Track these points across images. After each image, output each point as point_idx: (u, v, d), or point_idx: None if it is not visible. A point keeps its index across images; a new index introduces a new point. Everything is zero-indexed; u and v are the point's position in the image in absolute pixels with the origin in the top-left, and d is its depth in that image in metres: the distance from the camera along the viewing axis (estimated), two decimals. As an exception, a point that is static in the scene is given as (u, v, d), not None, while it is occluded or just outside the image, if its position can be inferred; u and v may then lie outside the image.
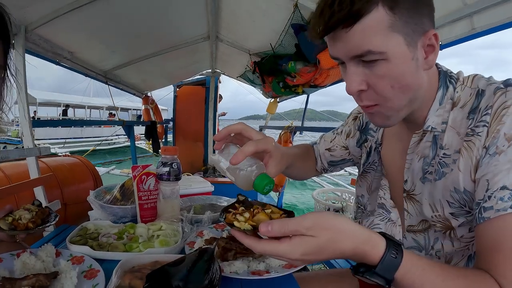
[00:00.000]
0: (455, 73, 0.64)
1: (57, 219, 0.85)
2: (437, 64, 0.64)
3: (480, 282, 0.49)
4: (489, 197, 0.52)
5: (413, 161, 0.67)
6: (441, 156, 0.61)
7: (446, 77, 0.63)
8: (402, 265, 0.47)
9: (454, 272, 0.50)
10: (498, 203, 0.50)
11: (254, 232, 0.49)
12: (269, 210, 0.54)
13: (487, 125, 0.54)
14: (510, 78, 0.57)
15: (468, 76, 0.63)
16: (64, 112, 18.72)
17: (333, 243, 0.46)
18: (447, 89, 0.62)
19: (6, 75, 0.63)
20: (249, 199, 0.60)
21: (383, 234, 0.50)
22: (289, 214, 0.54)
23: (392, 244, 0.48)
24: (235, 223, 0.51)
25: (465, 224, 0.60)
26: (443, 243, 0.66)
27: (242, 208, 0.57)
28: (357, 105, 0.63)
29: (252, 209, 0.55)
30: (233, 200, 1.22)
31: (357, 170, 0.95)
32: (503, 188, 0.50)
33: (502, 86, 0.56)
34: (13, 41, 0.66)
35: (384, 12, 0.50)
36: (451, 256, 0.65)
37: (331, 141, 0.94)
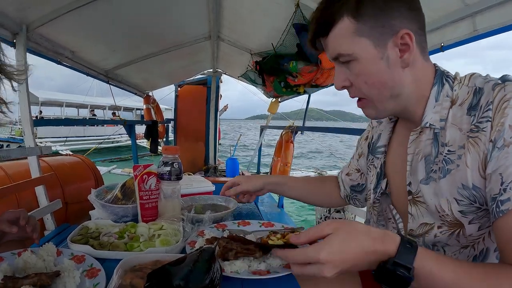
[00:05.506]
0: (452, 73, 0.67)
1: None
2: (435, 65, 0.68)
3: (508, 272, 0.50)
4: (505, 190, 0.52)
5: (414, 162, 0.68)
6: (446, 153, 0.62)
7: (442, 76, 0.66)
8: (419, 251, 0.50)
9: (471, 263, 0.54)
10: None
11: (284, 247, 0.62)
12: (298, 232, 0.63)
13: (490, 119, 0.55)
14: (506, 74, 0.59)
15: (465, 75, 0.65)
16: (93, 114, 22.29)
17: (352, 238, 0.52)
18: (443, 86, 0.64)
19: None
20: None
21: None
22: None
23: (405, 237, 0.53)
24: (269, 241, 0.66)
25: (475, 221, 0.61)
26: (445, 249, 0.66)
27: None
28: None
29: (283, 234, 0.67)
30: (233, 199, 1.24)
31: None
32: None
33: (499, 81, 0.58)
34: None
35: (349, 21, 0.60)
36: (456, 258, 0.65)
37: (348, 166, 0.99)
